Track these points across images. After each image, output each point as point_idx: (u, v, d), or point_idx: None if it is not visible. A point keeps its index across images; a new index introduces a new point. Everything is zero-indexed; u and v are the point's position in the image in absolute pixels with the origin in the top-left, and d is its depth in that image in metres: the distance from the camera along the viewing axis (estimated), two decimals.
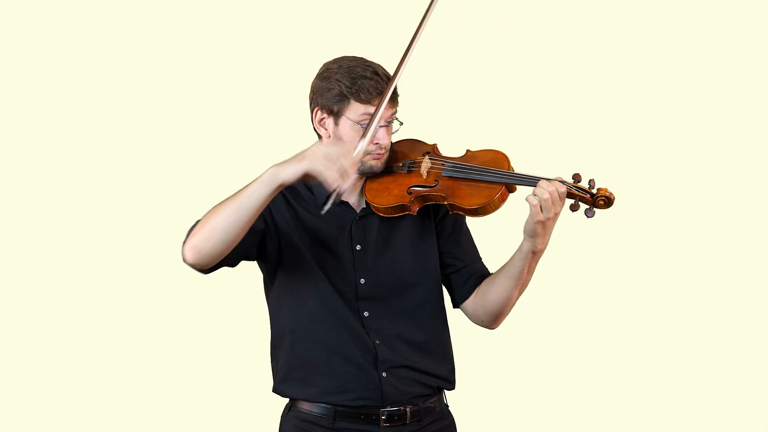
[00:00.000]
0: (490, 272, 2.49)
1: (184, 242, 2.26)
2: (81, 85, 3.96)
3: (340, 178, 2.16)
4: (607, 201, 2.30)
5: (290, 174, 2.17)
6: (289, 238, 2.39)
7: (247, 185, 2.21)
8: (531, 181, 2.30)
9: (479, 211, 2.35)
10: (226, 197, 2.23)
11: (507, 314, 2.47)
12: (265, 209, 2.29)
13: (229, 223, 2.20)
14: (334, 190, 2.19)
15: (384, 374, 2.38)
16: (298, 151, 2.18)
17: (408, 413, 2.40)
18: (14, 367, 3.93)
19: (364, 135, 2.30)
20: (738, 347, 4.01)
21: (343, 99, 2.35)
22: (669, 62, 4.02)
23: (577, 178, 2.31)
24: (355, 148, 2.24)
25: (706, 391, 3.99)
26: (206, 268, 2.28)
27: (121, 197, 3.96)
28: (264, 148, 3.74)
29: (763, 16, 3.98)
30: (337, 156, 2.16)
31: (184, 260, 2.26)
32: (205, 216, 2.24)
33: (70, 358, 3.93)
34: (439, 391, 2.48)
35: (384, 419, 2.39)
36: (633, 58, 4.03)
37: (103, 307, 3.94)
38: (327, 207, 2.22)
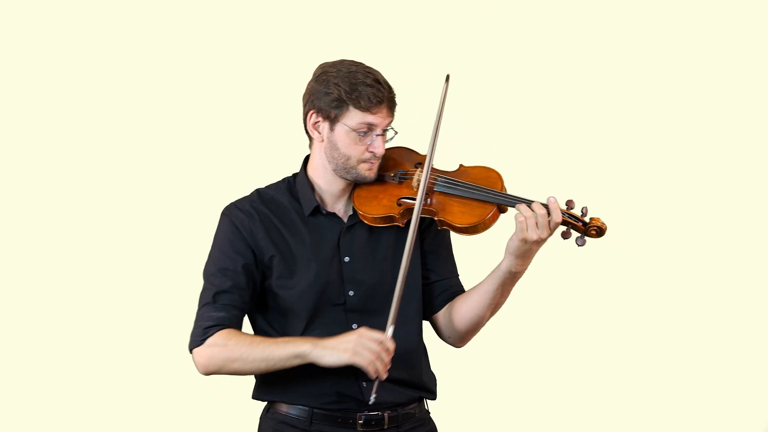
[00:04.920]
0: (465, 290, 2.48)
1: (195, 348, 2.33)
2: (80, 85, 3.89)
3: (382, 368, 2.24)
4: (599, 231, 2.30)
5: (333, 363, 2.25)
6: (273, 264, 2.37)
7: (280, 345, 2.27)
8: (525, 203, 2.29)
9: (469, 230, 2.34)
10: (256, 343, 2.29)
11: (474, 334, 2.46)
12: (247, 255, 2.36)
13: (252, 371, 2.32)
14: (376, 378, 2.25)
15: (365, 384, 2.37)
16: (341, 337, 2.25)
17: (386, 418, 2.39)
18: (13, 367, 3.89)
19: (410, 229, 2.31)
20: (731, 351, 4.02)
21: (341, 105, 2.32)
22: (669, 73, 4.02)
23: (570, 204, 2.31)
24: (388, 332, 2.27)
25: (692, 401, 4.01)
26: None
27: (120, 197, 3.91)
28: (261, 149, 3.77)
29: (759, 18, 3.99)
30: (377, 350, 2.22)
31: (195, 364, 2.35)
32: (228, 348, 2.29)
33: (52, 358, 3.89)
34: (420, 399, 2.48)
35: (361, 423, 2.38)
36: (634, 73, 4.01)
37: (90, 308, 3.91)
38: (373, 397, 2.28)
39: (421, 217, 2.41)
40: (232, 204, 2.43)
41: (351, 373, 2.35)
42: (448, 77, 2.37)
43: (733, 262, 4.03)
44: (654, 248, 4.03)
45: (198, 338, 2.33)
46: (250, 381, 2.46)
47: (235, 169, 3.81)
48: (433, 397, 2.49)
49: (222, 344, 2.30)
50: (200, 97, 3.91)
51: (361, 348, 2.22)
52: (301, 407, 2.39)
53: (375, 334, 2.23)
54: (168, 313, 3.71)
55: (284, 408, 2.40)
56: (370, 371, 2.23)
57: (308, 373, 2.34)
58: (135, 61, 3.90)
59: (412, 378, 2.43)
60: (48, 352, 3.88)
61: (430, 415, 2.52)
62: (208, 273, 2.39)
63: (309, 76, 2.40)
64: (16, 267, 3.88)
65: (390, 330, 2.25)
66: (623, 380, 4.00)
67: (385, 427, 2.40)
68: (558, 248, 3.81)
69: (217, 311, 2.33)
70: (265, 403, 2.47)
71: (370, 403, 2.28)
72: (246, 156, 3.83)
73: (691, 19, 4.00)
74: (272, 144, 3.61)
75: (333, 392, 2.37)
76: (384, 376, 2.24)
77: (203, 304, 2.36)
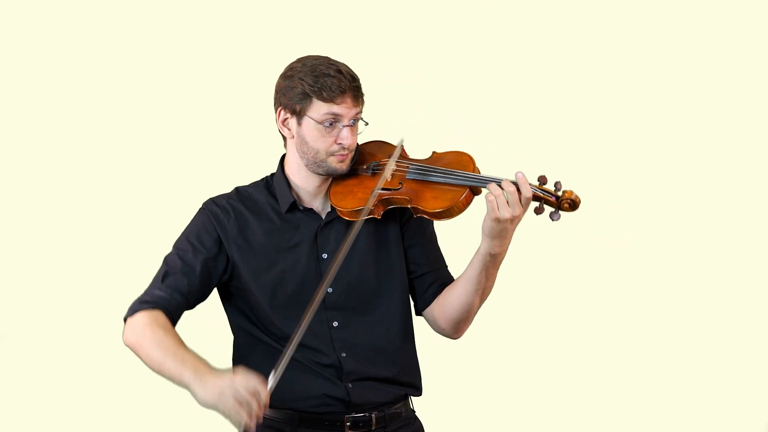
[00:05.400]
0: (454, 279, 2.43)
1: (128, 318, 2.30)
2: (78, 85, 3.95)
3: (249, 419, 2.11)
4: (573, 204, 2.23)
5: (201, 402, 2.16)
6: (243, 262, 2.35)
7: (177, 363, 2.19)
8: (495, 182, 2.23)
9: (443, 215, 2.29)
10: (165, 347, 2.23)
11: (469, 323, 2.40)
12: (211, 249, 2.35)
13: (150, 367, 2.26)
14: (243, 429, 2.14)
15: (350, 385, 2.34)
16: (220, 378, 2.15)
17: (373, 419, 2.35)
18: (13, 366, 3.93)
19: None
20: (728, 348, 3.97)
21: (305, 98, 2.30)
22: (648, 60, 3.99)
23: (542, 180, 2.25)
24: (268, 382, 2.18)
25: (685, 400, 3.96)
26: None
27: (117, 197, 3.94)
28: (246, 148, 3.78)
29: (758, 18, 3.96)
30: (247, 399, 2.10)
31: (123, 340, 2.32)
32: (140, 338, 2.26)
33: (50, 357, 3.92)
34: (405, 398, 2.43)
35: (349, 426, 2.34)
36: (609, 53, 3.99)
37: (86, 307, 3.93)
38: None
39: (400, 209, 2.38)
40: (210, 199, 2.43)
41: (336, 375, 2.33)
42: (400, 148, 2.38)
43: (733, 261, 3.97)
44: (652, 246, 3.98)
45: (131, 310, 2.31)
46: None
47: (219, 168, 3.82)
48: (418, 393, 2.44)
49: (141, 327, 2.27)
50: (186, 97, 3.94)
51: (229, 394, 2.11)
52: (288, 411, 2.35)
53: (249, 383, 2.12)
54: None
55: (270, 412, 2.34)
56: (233, 420, 2.12)
57: (294, 376, 2.32)
58: (121, 61, 3.94)
59: (396, 375, 2.38)
60: (45, 351, 3.91)
61: (416, 413, 2.47)
62: (167, 255, 2.39)
63: None
64: (14, 267, 3.93)
65: (272, 381, 2.16)
66: (615, 376, 3.95)
67: (373, 428, 2.36)
68: (553, 242, 3.78)
69: (159, 291, 2.32)
70: None
71: None
72: (230, 155, 3.86)
73: (690, 14, 3.97)
74: (256, 143, 3.62)
75: (320, 394, 2.33)
76: (252, 428, 2.13)
77: (152, 281, 2.35)
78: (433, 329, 2.45)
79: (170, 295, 2.32)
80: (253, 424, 2.12)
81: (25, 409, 3.90)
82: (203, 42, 3.96)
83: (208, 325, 3.56)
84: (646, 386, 3.96)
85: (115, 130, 3.95)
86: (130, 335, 2.29)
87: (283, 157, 2.44)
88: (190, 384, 2.17)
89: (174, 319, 2.33)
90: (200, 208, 2.43)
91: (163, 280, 2.33)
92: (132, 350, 2.29)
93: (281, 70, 2.39)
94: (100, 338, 3.87)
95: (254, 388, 2.12)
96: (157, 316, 2.29)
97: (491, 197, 2.20)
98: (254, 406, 2.11)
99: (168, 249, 2.40)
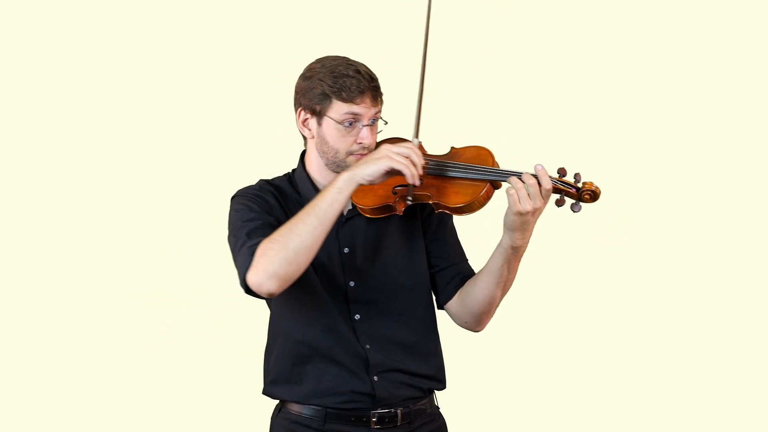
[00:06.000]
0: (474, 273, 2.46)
1: (248, 270, 2.19)
2: (78, 86, 3.98)
3: (416, 169, 2.22)
4: (593, 195, 2.26)
5: (371, 173, 2.21)
6: None
7: (319, 197, 2.21)
8: (515, 176, 2.26)
9: (464, 209, 2.32)
10: (295, 216, 2.21)
11: (491, 316, 2.43)
12: (271, 215, 2.32)
13: (313, 239, 2.19)
14: (412, 184, 2.26)
15: (375, 378, 2.37)
16: (370, 154, 2.24)
17: (399, 415, 2.38)
18: (12, 367, 3.94)
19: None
20: (732, 348, 3.99)
21: (325, 98, 2.34)
22: (657, 57, 4.01)
23: (562, 172, 2.27)
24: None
25: (702, 393, 3.98)
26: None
27: (119, 198, 3.96)
28: (259, 149, 3.79)
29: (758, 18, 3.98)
30: (410, 153, 2.22)
31: (258, 290, 2.20)
32: (276, 238, 2.18)
33: (54, 357, 3.93)
34: (429, 393, 2.46)
35: (375, 421, 2.37)
36: (619, 51, 4.02)
37: (96, 308, 3.95)
38: (409, 199, 2.31)
39: (420, 205, 2.41)
40: (240, 189, 2.42)
41: (363, 367, 2.35)
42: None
43: (734, 261, 4.00)
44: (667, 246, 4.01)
45: (247, 261, 2.20)
46: (260, 380, 2.46)
47: (230, 168, 3.85)
48: (442, 386, 2.47)
49: (267, 245, 2.19)
50: (202, 98, 3.96)
51: (394, 153, 2.21)
52: (314, 407, 2.38)
53: (402, 144, 2.24)
54: (178, 310, 3.76)
55: (296, 408, 2.39)
56: (406, 173, 2.22)
57: (321, 372, 2.35)
58: (139, 60, 3.96)
59: (419, 367, 2.41)
60: (45, 351, 3.92)
61: (440, 410, 2.50)
62: (234, 228, 2.31)
63: None
64: (14, 267, 3.94)
65: (416, 140, 2.30)
66: (622, 378, 3.97)
67: (398, 424, 2.39)
68: (571, 235, 3.79)
69: (256, 239, 2.24)
70: (276, 402, 2.46)
71: (408, 202, 2.31)
72: (241, 156, 3.88)
73: (692, 14, 4.01)
74: (271, 144, 3.63)
75: (347, 391, 2.36)
76: (417, 181, 2.24)
77: (240, 246, 2.26)
78: (455, 322, 2.48)
79: (266, 236, 2.24)
80: (417, 178, 2.24)
81: (25, 408, 3.92)
82: (217, 42, 3.99)
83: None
84: (641, 384, 3.99)
85: (123, 130, 3.98)
86: (267, 264, 2.18)
87: (303, 153, 2.47)
88: (350, 177, 2.22)
89: None
90: (233, 198, 2.39)
91: (249, 236, 2.26)
92: (283, 273, 2.18)
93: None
94: (99, 336, 3.93)
95: (409, 145, 2.25)
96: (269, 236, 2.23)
97: (512, 191, 2.22)
98: (416, 158, 2.23)
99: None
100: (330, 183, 2.23)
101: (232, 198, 2.41)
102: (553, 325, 3.98)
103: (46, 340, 3.93)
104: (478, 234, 2.60)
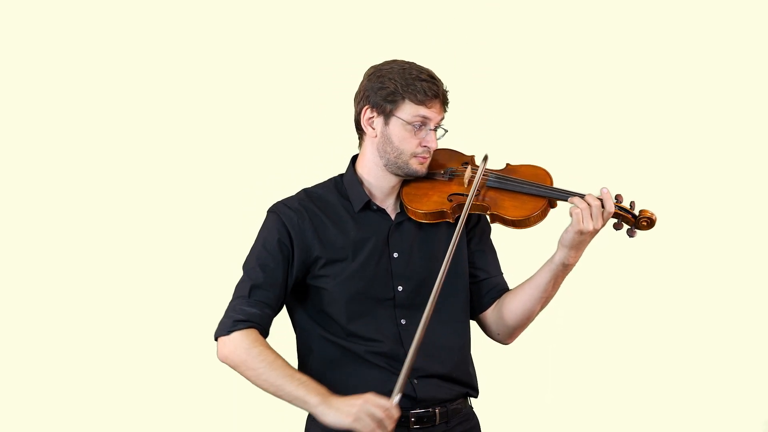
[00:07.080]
0: (509, 288, 2.52)
1: (221, 338, 2.34)
2: (78, 86, 3.90)
3: None
4: (650, 222, 2.37)
5: (333, 424, 2.23)
6: (319, 261, 2.39)
7: (294, 386, 2.27)
8: (578, 196, 2.35)
9: (521, 223, 2.39)
10: (273, 370, 2.29)
11: (523, 330, 2.50)
12: (290, 255, 2.38)
13: (262, 387, 2.32)
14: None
15: (416, 381, 2.38)
16: (348, 400, 2.23)
17: (437, 415, 2.40)
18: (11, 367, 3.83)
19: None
20: (736, 350, 4.05)
21: (397, 98, 2.37)
22: (663, 65, 4.08)
23: (619, 198, 2.39)
24: (392, 400, 2.25)
25: (684, 400, 4.04)
26: None
27: (120, 198, 3.89)
28: (262, 150, 3.78)
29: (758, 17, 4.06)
30: (383, 419, 2.19)
31: (217, 352, 2.37)
32: (251, 365, 2.30)
33: (75, 359, 3.85)
34: (465, 396, 2.49)
35: (414, 421, 2.39)
36: (666, 80, 4.07)
37: (114, 310, 3.88)
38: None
39: (468, 215, 2.47)
40: (280, 202, 2.45)
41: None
42: (486, 158, 2.47)
43: (734, 262, 4.07)
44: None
45: (226, 328, 2.35)
46: None
47: (274, 171, 3.79)
48: (476, 394, 2.51)
49: (246, 347, 2.31)
50: (241, 101, 3.93)
51: (364, 415, 2.20)
52: None
53: (381, 401, 2.21)
54: (209, 311, 3.66)
55: None
56: None
57: (363, 373, 2.36)
58: (141, 61, 3.93)
59: (459, 375, 2.45)
60: (44, 350, 3.84)
61: (474, 411, 2.54)
62: (248, 266, 2.40)
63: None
64: (13, 267, 3.85)
65: (396, 398, 2.22)
66: (649, 380, 4.02)
67: (437, 423, 2.41)
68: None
69: (250, 306, 2.35)
70: None
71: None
72: (286, 159, 3.81)
73: (697, 15, 4.08)
74: (274, 144, 3.64)
75: (386, 392, 2.33)
76: None
77: (238, 295, 2.38)
78: (486, 333, 2.54)
79: (261, 311, 2.36)
80: None
81: (25, 408, 3.83)
82: (216, 43, 3.96)
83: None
84: (667, 387, 4.02)
85: (162, 133, 3.93)
86: (231, 352, 2.32)
87: (355, 157, 2.50)
88: (317, 407, 2.24)
89: (267, 334, 2.38)
90: (270, 212, 2.44)
91: (250, 294, 2.36)
92: (234, 368, 2.34)
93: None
94: (98, 335, 3.86)
95: (387, 408, 2.19)
96: (257, 336, 2.33)
97: (577, 210, 2.31)
98: (388, 423, 2.19)
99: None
100: (307, 386, 2.26)
101: (269, 211, 2.45)
102: (581, 330, 4.00)
103: (55, 341, 3.84)
104: (511, 250, 2.67)
